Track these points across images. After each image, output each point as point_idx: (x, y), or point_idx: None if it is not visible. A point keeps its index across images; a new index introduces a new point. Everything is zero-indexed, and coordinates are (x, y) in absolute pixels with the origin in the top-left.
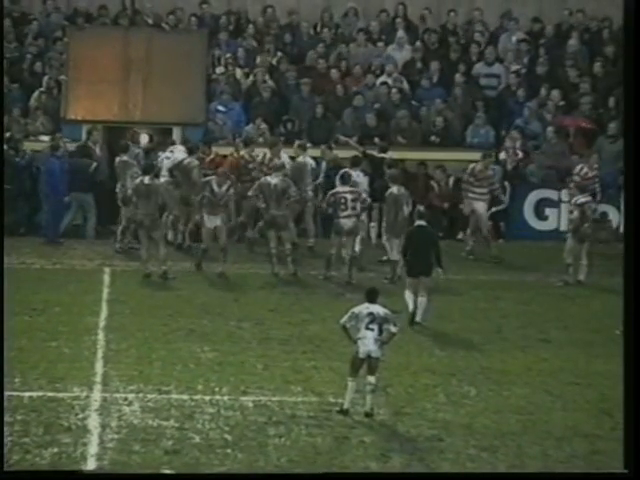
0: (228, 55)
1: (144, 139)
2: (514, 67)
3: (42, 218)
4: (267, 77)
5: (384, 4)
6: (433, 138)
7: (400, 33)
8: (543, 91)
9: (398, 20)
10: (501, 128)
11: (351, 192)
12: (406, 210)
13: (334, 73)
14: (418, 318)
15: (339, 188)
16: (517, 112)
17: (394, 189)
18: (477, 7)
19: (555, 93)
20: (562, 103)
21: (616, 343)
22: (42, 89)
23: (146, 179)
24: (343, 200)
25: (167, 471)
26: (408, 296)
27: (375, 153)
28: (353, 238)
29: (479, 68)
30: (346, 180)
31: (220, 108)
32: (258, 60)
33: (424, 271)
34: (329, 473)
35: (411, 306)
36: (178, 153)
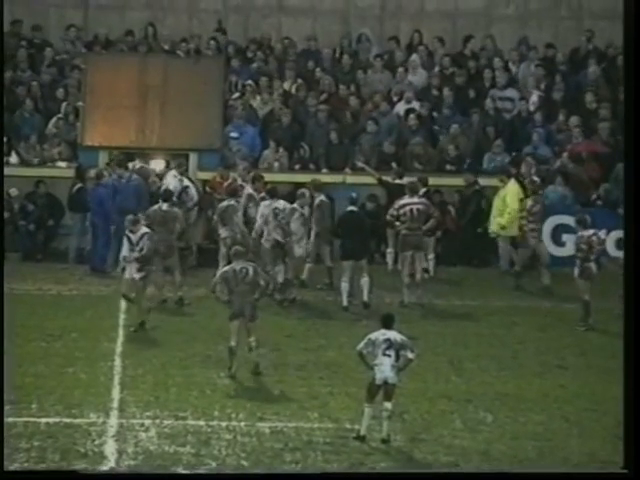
0: (245, 81)
1: (159, 165)
2: (534, 94)
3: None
4: (282, 103)
5: (399, 31)
6: (448, 167)
7: (413, 57)
8: (561, 117)
9: (420, 48)
10: (518, 154)
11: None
12: (424, 226)
13: (353, 100)
14: (365, 298)
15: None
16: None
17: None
18: (491, 34)
19: (574, 119)
20: (577, 130)
21: None
22: (60, 115)
23: (164, 206)
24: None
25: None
26: (344, 287)
27: (390, 179)
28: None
29: (493, 92)
30: (277, 214)
31: (233, 135)
32: (275, 86)
33: (357, 255)
34: (329, 473)
35: (345, 300)
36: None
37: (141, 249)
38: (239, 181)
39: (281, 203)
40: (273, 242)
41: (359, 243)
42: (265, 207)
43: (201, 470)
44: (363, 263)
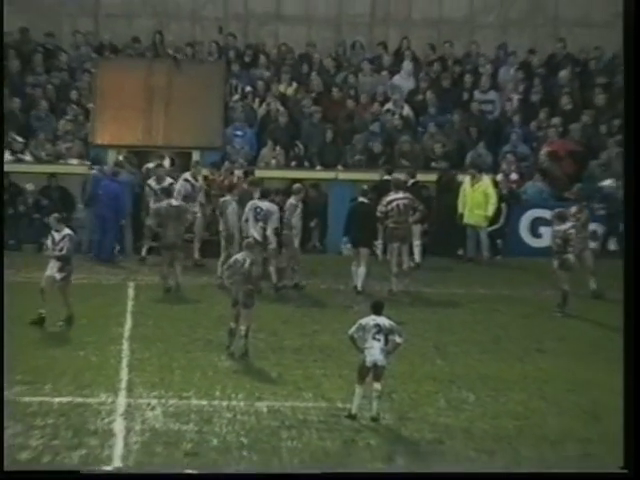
0: (244, 84)
1: (166, 162)
2: (513, 96)
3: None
4: (279, 105)
5: (388, 37)
6: (433, 164)
7: (406, 64)
8: (541, 115)
9: (407, 52)
10: (498, 152)
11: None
12: (410, 219)
13: (350, 103)
14: (359, 287)
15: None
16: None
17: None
18: (475, 40)
19: (553, 120)
20: (552, 130)
21: (610, 354)
22: (68, 117)
23: (173, 201)
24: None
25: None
26: (354, 270)
27: (379, 176)
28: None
29: (475, 95)
30: (258, 213)
31: (238, 133)
32: (272, 89)
33: (364, 243)
34: (329, 473)
35: (356, 281)
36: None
37: (61, 249)
38: (235, 179)
39: (265, 203)
40: (251, 239)
41: (366, 232)
42: (248, 205)
43: (201, 465)
44: (366, 252)
